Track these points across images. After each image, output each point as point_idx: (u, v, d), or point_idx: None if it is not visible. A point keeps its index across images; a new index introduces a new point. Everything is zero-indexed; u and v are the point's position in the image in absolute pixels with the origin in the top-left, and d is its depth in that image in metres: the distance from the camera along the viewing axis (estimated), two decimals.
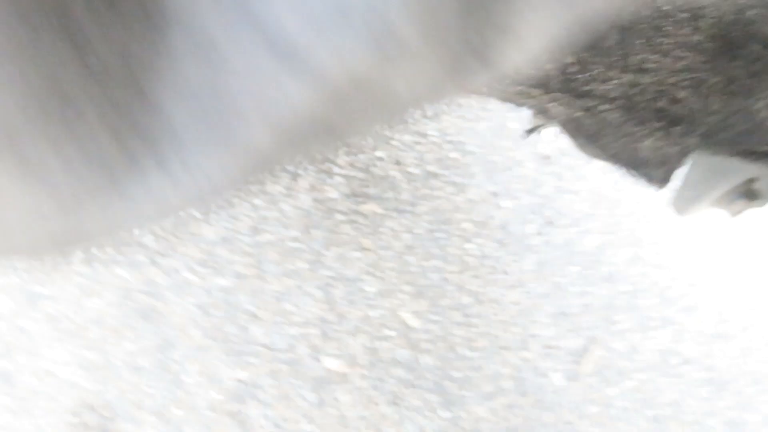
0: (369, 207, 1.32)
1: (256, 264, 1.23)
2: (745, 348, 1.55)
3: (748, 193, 0.76)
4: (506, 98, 0.71)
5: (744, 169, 0.72)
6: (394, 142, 1.38)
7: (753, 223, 1.65)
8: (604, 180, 1.55)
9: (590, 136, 0.70)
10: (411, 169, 1.37)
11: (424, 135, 1.40)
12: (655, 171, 0.70)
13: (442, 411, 1.27)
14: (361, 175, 1.33)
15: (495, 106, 1.48)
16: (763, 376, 1.54)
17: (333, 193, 1.30)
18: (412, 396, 1.26)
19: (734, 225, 1.63)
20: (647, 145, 0.64)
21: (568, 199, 1.49)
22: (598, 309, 1.44)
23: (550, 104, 0.60)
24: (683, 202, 0.82)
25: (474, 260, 1.37)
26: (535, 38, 0.25)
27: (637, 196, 1.56)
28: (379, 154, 1.36)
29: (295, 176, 1.29)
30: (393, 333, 1.28)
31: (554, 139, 1.51)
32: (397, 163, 1.37)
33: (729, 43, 0.47)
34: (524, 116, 1.38)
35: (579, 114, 0.61)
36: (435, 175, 1.38)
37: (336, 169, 1.32)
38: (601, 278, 1.46)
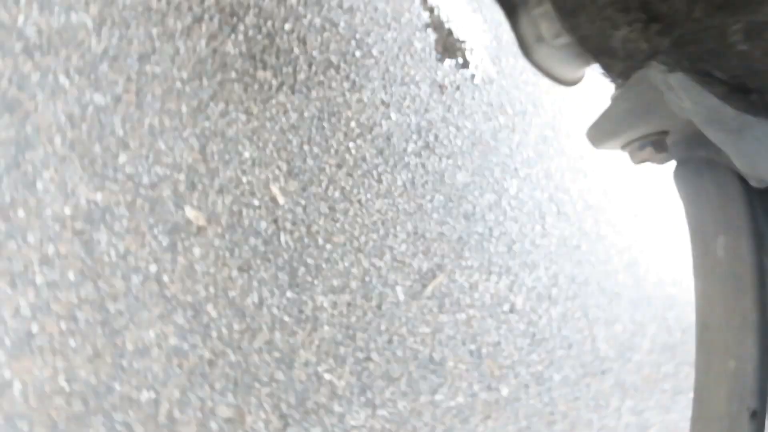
0: (264, 75, 1.50)
1: (138, 92, 1.35)
2: (566, 315, 1.94)
3: (657, 144, 0.94)
4: None
5: (663, 120, 0.89)
6: (304, 21, 1.56)
7: (607, 202, 2.06)
8: (486, 126, 1.86)
9: (571, 11, 0.86)
10: (314, 53, 1.57)
11: (334, 24, 1.61)
12: (617, 63, 0.84)
13: (287, 291, 1.48)
14: (264, 41, 1.51)
15: (406, 20, 1.72)
16: (574, 343, 1.94)
17: (232, 49, 1.46)
18: (263, 269, 1.45)
19: (596, 199, 2.02)
20: (620, 35, 0.77)
21: (451, 131, 1.77)
22: (451, 241, 1.74)
23: None
24: (599, 134, 1.02)
25: (352, 160, 1.60)
26: None
27: (511, 149, 1.89)
28: (287, 27, 1.54)
29: (198, 19, 1.43)
30: (259, 204, 1.46)
31: (453, 72, 1.79)
32: (303, 42, 1.56)
33: None
34: (430, 40, 1.66)
35: None
36: (335, 67, 1.59)
37: (241, 27, 1.48)
38: (462, 214, 1.77)
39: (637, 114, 0.91)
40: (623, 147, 1.00)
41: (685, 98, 0.72)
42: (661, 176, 2.30)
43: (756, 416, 0.75)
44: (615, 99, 0.94)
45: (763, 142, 0.70)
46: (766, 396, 0.76)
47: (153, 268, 1.34)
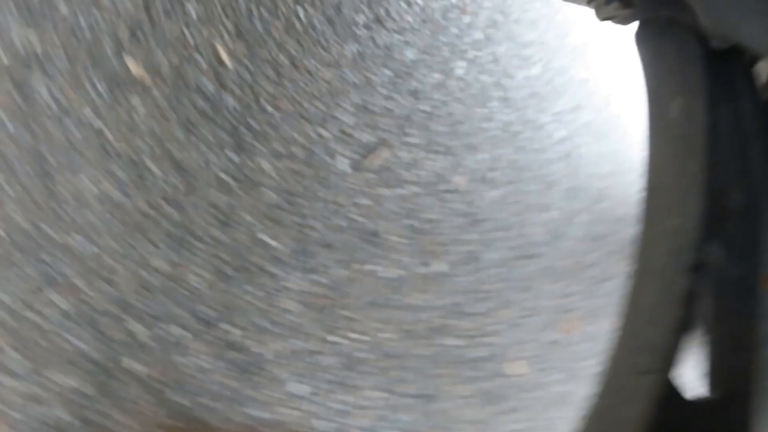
0: None
1: None
2: (503, 198, 2.00)
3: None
4: None
5: None
6: None
7: (550, 92, 2.09)
8: (437, 4, 1.84)
9: None
10: None
11: None
12: None
13: (230, 152, 1.48)
14: None
15: None
16: (508, 226, 2.00)
17: None
18: (206, 128, 1.44)
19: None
20: None
21: (402, 7, 1.75)
22: (396, 117, 1.75)
23: None
24: None
25: (301, 26, 1.57)
26: None
27: (461, 30, 1.88)
28: None
29: None
30: (204, 62, 1.44)
31: None
32: None
33: None
34: None
35: None
36: None
37: None
38: (408, 91, 1.77)
39: None
40: (590, 1, 1.00)
41: None
42: (604, 71, 2.33)
43: (695, 270, 0.78)
44: None
45: None
46: (705, 253, 0.79)
47: (94, 120, 1.32)
